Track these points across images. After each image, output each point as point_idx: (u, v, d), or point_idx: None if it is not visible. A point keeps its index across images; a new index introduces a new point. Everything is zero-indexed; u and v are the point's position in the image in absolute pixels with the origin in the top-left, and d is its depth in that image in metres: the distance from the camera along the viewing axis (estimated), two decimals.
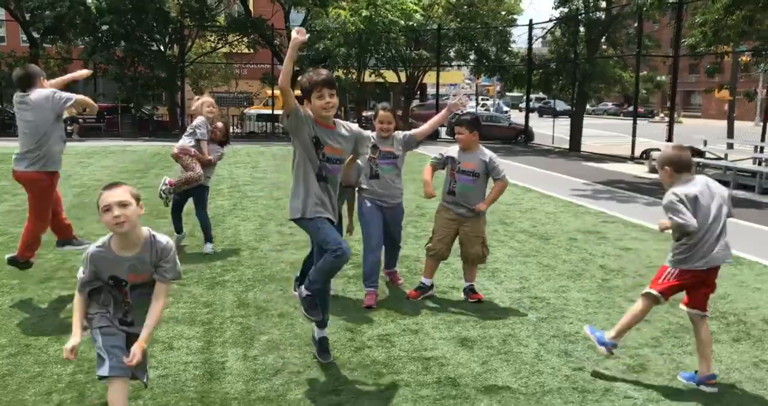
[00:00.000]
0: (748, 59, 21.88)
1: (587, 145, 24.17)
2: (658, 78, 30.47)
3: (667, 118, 54.98)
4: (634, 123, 19.32)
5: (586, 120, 46.32)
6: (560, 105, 40.37)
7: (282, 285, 5.99)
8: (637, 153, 19.07)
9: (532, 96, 53.56)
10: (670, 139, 17.89)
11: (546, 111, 53.02)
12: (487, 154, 5.46)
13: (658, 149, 17.77)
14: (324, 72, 3.94)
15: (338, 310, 5.21)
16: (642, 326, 5.11)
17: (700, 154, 15.35)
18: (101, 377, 3.13)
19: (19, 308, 5.27)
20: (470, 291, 5.63)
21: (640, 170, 16.72)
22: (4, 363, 4.22)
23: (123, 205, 3.00)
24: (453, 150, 5.54)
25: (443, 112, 5.36)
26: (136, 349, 3.09)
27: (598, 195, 12.31)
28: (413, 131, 5.59)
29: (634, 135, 19.04)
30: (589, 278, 6.38)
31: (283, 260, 6.89)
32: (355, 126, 4.31)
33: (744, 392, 3.99)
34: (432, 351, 4.54)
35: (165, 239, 3.23)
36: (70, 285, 5.79)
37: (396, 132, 5.53)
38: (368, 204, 5.51)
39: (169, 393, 3.84)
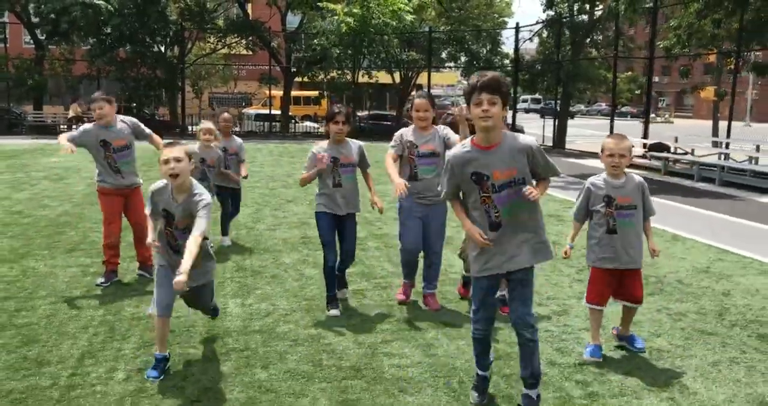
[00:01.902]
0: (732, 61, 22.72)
1: (578, 143, 25.15)
2: (642, 79, 31.43)
3: (659, 118, 55.69)
4: (611, 121, 20.32)
5: (581, 120, 47.09)
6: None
7: (275, 255, 6.98)
8: None
9: (528, 97, 54.78)
10: (645, 136, 18.89)
11: (547, 112, 54.11)
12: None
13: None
14: (489, 74, 3.27)
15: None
16: (575, 284, 6.13)
17: (666, 149, 16.38)
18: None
19: (52, 270, 6.26)
20: (501, 302, 4.86)
21: None
22: (47, 308, 5.20)
23: (177, 160, 3.87)
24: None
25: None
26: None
27: (569, 186, 13.29)
28: (450, 136, 5.07)
29: (611, 132, 20.02)
30: None
31: (276, 237, 7.90)
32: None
33: (642, 328, 4.98)
34: (396, 302, 5.53)
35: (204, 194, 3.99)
36: (92, 254, 6.81)
37: (437, 126, 5.15)
38: (406, 203, 5.15)
39: (183, 329, 4.81)
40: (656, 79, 68.20)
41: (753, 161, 15.07)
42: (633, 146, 4.30)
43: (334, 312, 5.15)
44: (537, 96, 50.62)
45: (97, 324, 4.89)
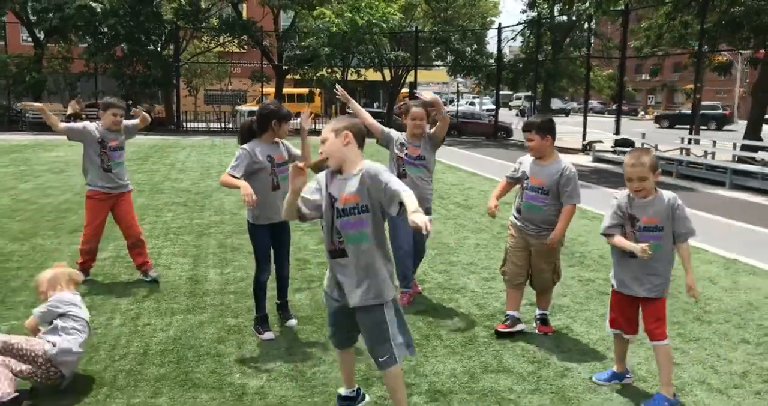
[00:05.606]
0: (726, 60, 23.39)
1: (564, 140, 26.10)
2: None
3: (648, 116, 56.41)
4: (585, 118, 21.29)
5: (575, 118, 47.90)
6: (556, 103, 41.82)
7: None
8: None
9: (521, 94, 55.79)
10: (617, 132, 19.88)
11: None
12: (562, 165, 4.59)
13: (600, 141, 19.85)
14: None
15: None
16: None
17: (631, 144, 17.38)
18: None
19: (57, 247, 7.22)
20: (540, 321, 4.94)
21: (585, 160, 18.72)
22: None
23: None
24: (526, 161, 4.72)
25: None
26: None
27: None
28: (432, 130, 5.34)
29: (584, 128, 21.05)
30: (488, 232, 8.37)
31: None
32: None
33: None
34: None
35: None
36: None
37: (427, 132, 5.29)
38: None
39: (169, 290, 5.78)
40: (646, 77, 69.38)
41: (711, 156, 16.06)
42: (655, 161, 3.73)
43: (267, 335, 4.69)
44: (530, 94, 51.63)
45: (98, 287, 5.85)
